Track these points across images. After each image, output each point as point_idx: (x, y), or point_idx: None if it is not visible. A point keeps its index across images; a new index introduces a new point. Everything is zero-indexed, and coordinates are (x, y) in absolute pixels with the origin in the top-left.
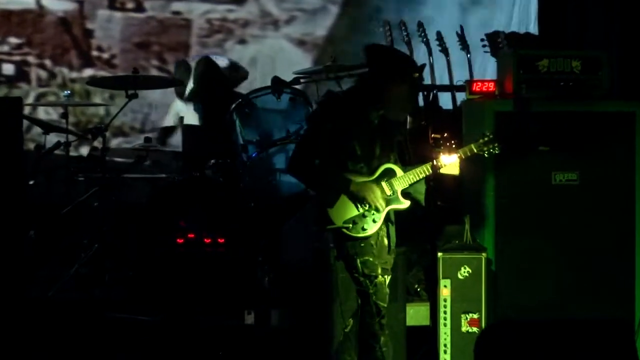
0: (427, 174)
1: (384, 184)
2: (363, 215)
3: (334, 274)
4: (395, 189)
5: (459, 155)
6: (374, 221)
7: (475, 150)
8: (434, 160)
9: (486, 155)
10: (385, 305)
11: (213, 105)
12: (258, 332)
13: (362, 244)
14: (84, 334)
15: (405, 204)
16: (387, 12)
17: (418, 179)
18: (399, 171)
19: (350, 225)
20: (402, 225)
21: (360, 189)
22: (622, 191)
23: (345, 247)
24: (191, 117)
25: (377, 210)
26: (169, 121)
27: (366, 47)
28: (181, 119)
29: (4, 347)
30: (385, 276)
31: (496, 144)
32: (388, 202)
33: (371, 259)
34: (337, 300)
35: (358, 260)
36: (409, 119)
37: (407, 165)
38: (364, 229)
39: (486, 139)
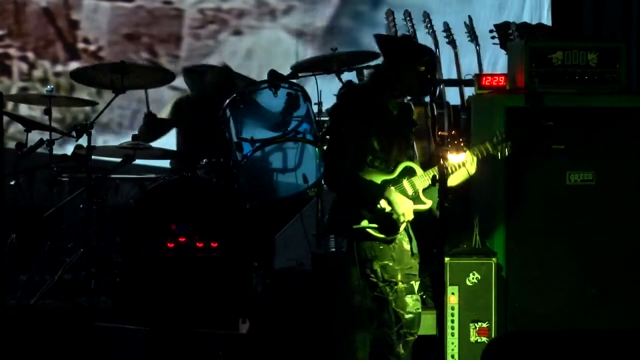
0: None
1: (405, 182)
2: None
3: (352, 280)
4: (417, 188)
5: (475, 154)
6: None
7: (490, 151)
8: (442, 161)
9: (499, 156)
10: (404, 314)
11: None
12: (253, 342)
13: (381, 247)
14: (68, 344)
15: (427, 204)
16: (390, 1)
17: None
18: (418, 170)
19: (377, 226)
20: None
21: (400, 203)
22: None
23: (362, 250)
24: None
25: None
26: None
27: (376, 37)
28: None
29: None
30: (413, 282)
31: (509, 144)
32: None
33: (391, 264)
34: (361, 307)
35: (378, 265)
36: (414, 114)
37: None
38: (391, 231)
39: (499, 138)
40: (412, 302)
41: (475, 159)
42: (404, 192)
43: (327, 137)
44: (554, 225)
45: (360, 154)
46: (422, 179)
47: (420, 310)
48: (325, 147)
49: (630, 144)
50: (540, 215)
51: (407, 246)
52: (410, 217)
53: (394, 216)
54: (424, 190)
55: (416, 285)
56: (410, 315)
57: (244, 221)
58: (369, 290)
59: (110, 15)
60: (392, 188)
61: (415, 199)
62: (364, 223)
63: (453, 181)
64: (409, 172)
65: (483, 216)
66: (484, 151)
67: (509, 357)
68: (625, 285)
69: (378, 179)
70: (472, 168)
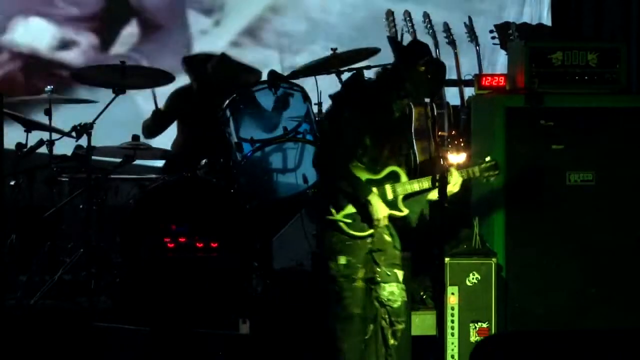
0: (430, 187)
1: (388, 186)
2: None
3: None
4: (397, 194)
5: (462, 175)
6: None
7: (477, 174)
8: (442, 161)
9: (484, 181)
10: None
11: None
12: (253, 342)
13: (349, 242)
14: (68, 344)
15: (403, 212)
16: (389, 1)
17: (421, 189)
18: (403, 177)
19: (350, 221)
20: (407, 228)
21: (379, 210)
22: None
23: (330, 242)
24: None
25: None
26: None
27: (388, 38)
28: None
29: None
30: (397, 271)
31: (495, 172)
32: (388, 205)
33: (354, 260)
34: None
35: (342, 259)
36: (414, 115)
37: (412, 169)
38: (362, 229)
39: (488, 164)
40: (398, 290)
41: (461, 179)
42: (383, 196)
43: (325, 120)
44: (554, 225)
45: (354, 146)
46: (406, 186)
47: (406, 299)
48: (321, 130)
49: (630, 144)
50: (540, 215)
51: (388, 238)
52: (385, 223)
53: (370, 219)
54: (405, 198)
55: (400, 275)
56: (398, 304)
57: (244, 221)
58: (367, 290)
59: None
60: (375, 192)
61: (393, 204)
62: (339, 216)
63: (433, 195)
64: (393, 177)
65: (483, 216)
66: (471, 174)
67: (501, 357)
68: (625, 285)
69: (362, 176)
70: (455, 187)
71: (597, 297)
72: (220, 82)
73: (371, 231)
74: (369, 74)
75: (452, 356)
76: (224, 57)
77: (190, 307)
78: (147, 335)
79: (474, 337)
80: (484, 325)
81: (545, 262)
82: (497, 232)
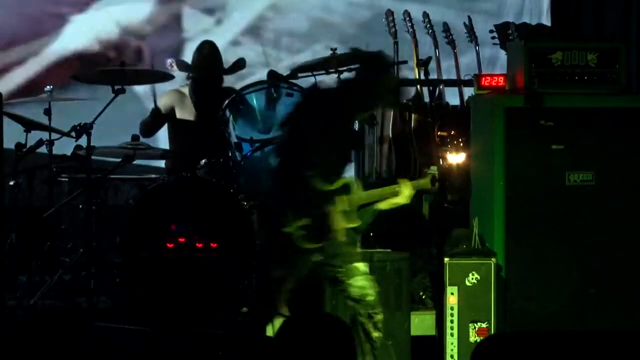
0: (386, 197)
1: (343, 197)
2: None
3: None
4: (353, 205)
5: (415, 186)
6: None
7: (429, 186)
8: (442, 161)
9: (432, 191)
10: (364, 296)
11: (206, 99)
12: (254, 343)
13: (294, 256)
14: (68, 344)
15: (356, 223)
16: (392, 0)
17: (377, 199)
18: (358, 187)
19: (304, 233)
20: (407, 229)
21: (338, 222)
22: None
23: (276, 253)
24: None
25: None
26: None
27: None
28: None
29: None
30: (360, 265)
31: (434, 187)
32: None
33: (290, 274)
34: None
35: (278, 272)
36: (414, 115)
37: (413, 173)
38: (314, 241)
39: (431, 175)
40: (368, 283)
41: (412, 192)
42: (338, 207)
43: (284, 127)
44: (554, 225)
45: (312, 155)
46: (361, 196)
47: (378, 288)
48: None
49: (630, 144)
50: (540, 215)
51: (342, 239)
52: (340, 236)
53: (326, 230)
54: (359, 208)
55: (364, 266)
56: (372, 297)
57: (244, 221)
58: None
59: None
60: (335, 203)
61: (348, 214)
62: (292, 227)
63: (383, 205)
64: (347, 189)
65: (483, 216)
66: (423, 185)
67: (502, 357)
68: (625, 285)
69: (319, 186)
70: (404, 199)
71: (597, 298)
72: (210, 72)
73: (321, 244)
74: None
75: (452, 356)
76: (207, 43)
77: (190, 307)
78: (147, 335)
79: (473, 337)
80: (484, 326)
81: (545, 262)
82: (496, 233)
